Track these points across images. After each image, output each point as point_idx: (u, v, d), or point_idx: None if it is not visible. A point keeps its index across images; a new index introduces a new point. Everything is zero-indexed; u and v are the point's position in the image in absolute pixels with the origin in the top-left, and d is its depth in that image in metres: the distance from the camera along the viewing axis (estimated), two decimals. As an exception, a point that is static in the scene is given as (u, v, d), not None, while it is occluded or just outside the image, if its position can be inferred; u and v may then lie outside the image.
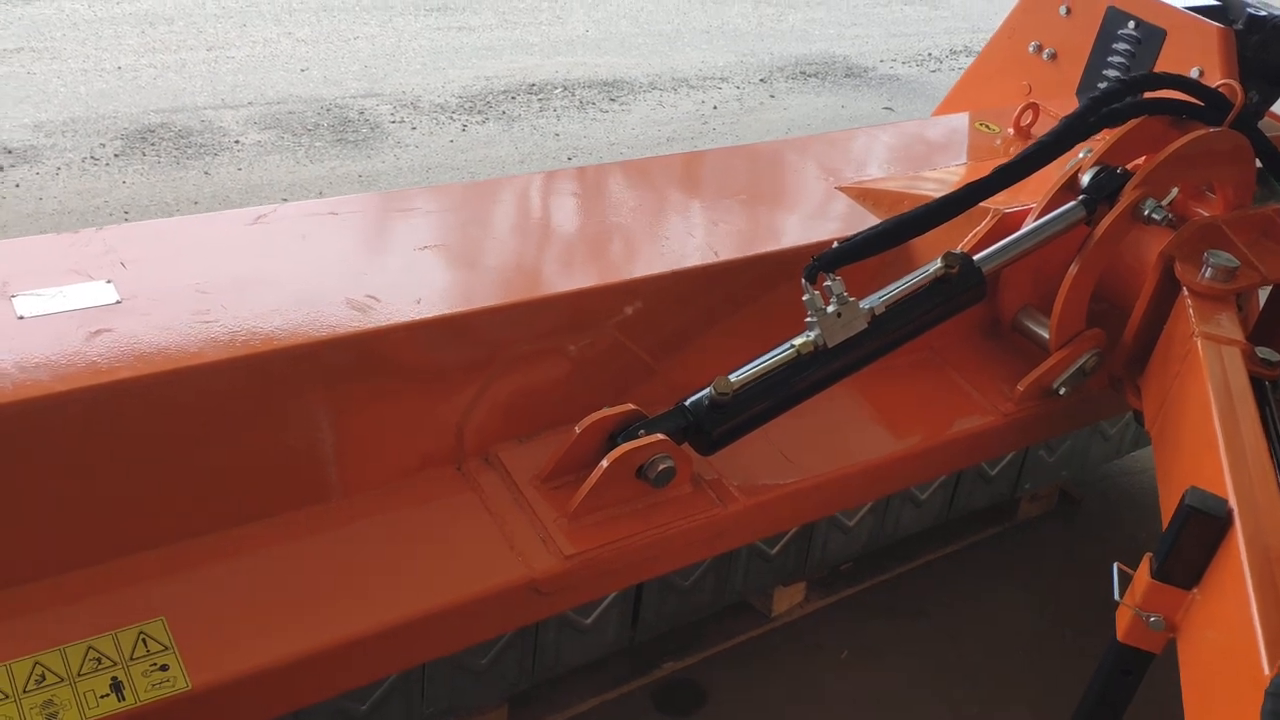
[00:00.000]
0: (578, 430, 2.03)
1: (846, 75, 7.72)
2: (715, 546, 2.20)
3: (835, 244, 2.16)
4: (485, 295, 2.11)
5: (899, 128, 3.28)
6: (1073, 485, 3.19)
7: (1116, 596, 1.79)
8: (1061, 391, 2.48)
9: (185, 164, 5.29)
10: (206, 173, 5.21)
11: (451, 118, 6.29)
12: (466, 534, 1.97)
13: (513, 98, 6.78)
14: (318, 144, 5.68)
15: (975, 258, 2.29)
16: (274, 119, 5.98)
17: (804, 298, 2.09)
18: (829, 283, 2.10)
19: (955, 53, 8.54)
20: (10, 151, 5.28)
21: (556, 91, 6.94)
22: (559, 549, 1.95)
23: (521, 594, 1.92)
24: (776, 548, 2.41)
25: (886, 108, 7.03)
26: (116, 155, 5.31)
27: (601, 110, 6.65)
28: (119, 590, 1.74)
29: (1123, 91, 2.36)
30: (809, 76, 7.64)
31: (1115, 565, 1.83)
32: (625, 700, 2.43)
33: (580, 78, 7.27)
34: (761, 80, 7.48)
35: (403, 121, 6.12)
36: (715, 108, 6.83)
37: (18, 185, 4.92)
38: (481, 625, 1.94)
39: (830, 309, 2.09)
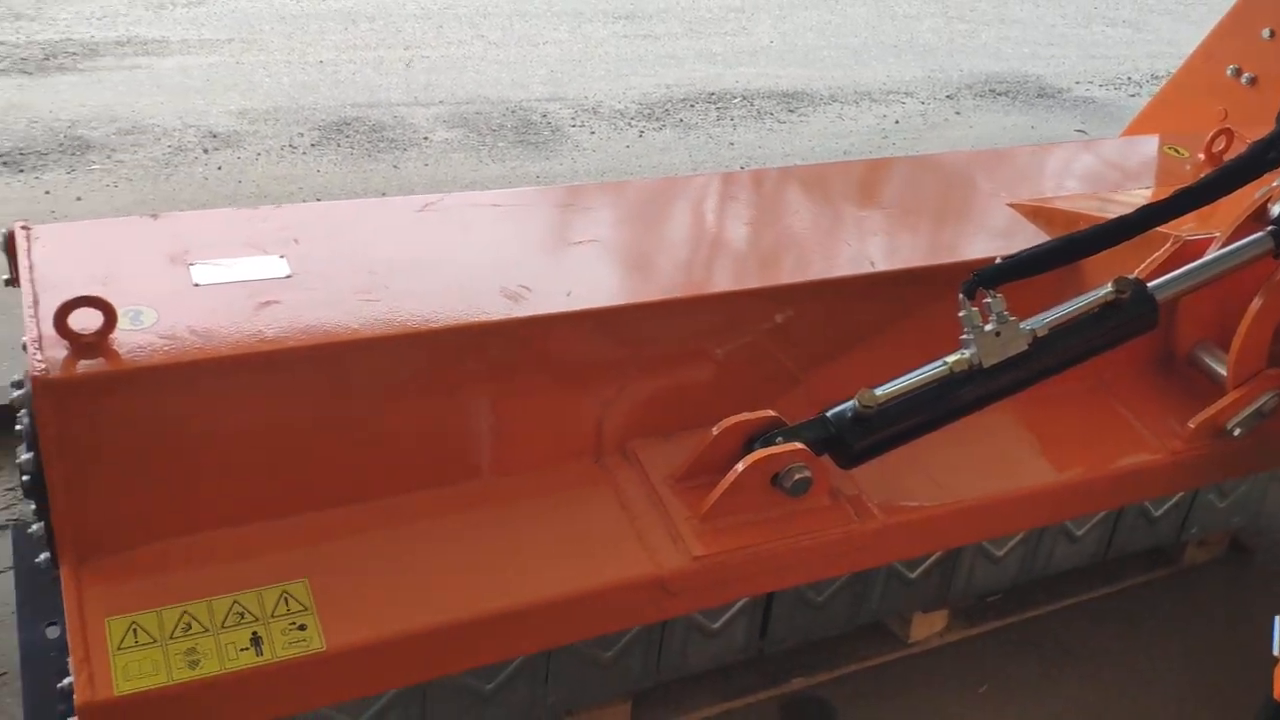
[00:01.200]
0: (715, 432, 2.02)
1: (1039, 95, 7.48)
2: (850, 563, 2.16)
3: (998, 260, 2.09)
4: (633, 292, 2.13)
5: (1081, 146, 3.15)
6: (1245, 533, 2.99)
7: (1275, 651, 1.68)
8: (1236, 433, 2.34)
9: (376, 157, 5.52)
10: (395, 166, 5.43)
11: (630, 124, 6.37)
12: (600, 526, 1.99)
13: (692, 106, 6.83)
14: (500, 144, 5.84)
15: (1149, 285, 2.18)
16: (462, 118, 6.18)
17: (961, 314, 2.03)
18: (989, 300, 2.03)
19: (1157, 77, 8.17)
20: (216, 136, 5.62)
21: (735, 101, 6.96)
22: (688, 549, 1.95)
23: (649, 590, 1.93)
24: (917, 571, 2.34)
25: (1079, 130, 6.77)
26: (313, 145, 5.59)
27: (779, 121, 6.62)
28: (270, 550, 1.83)
29: (1325, 118, 2.20)
30: (998, 95, 7.43)
31: (1277, 619, 1.72)
32: (751, 710, 2.40)
33: (761, 88, 7.26)
34: (948, 96, 7.32)
35: (583, 126, 6.24)
36: (897, 122, 6.72)
37: (219, 168, 5.23)
38: (608, 617, 1.96)
39: (988, 327, 2.02)
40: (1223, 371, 2.35)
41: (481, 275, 2.10)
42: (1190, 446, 2.36)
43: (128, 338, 1.76)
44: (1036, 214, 2.59)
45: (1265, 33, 3.05)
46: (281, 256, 2.05)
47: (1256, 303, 2.23)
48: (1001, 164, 2.91)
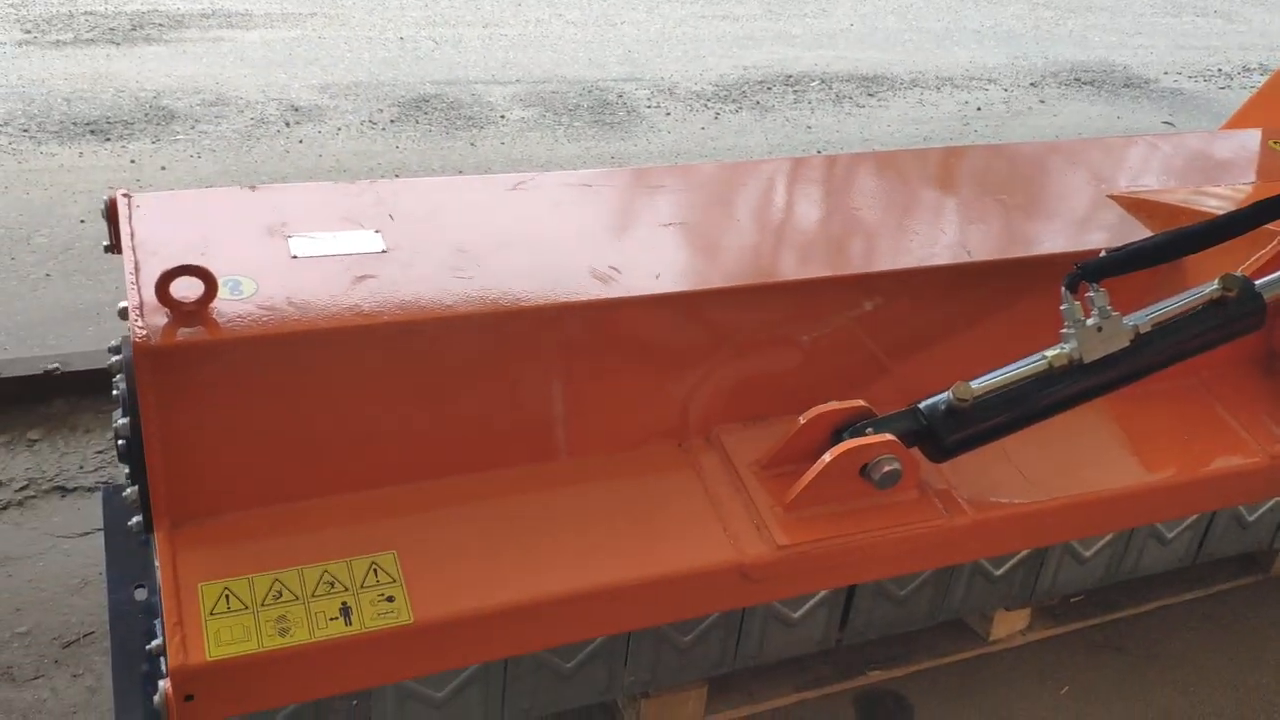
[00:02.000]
0: (802, 420, 1.99)
1: (1125, 85, 7.30)
2: (937, 559, 2.12)
3: (1102, 253, 2.04)
4: (722, 276, 2.11)
5: (1181, 139, 3.05)
6: (1342, 544, 2.90)
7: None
8: (1340, 440, 2.26)
9: (454, 134, 5.55)
10: (472, 144, 5.45)
11: (706, 105, 6.33)
12: (682, 510, 1.97)
13: (769, 88, 6.77)
14: (577, 124, 5.84)
15: (1257, 283, 2.11)
16: (539, 97, 6.19)
17: (1062, 307, 1.98)
18: (1091, 294, 1.98)
19: (1249, 70, 7.94)
20: (298, 109, 5.68)
21: (813, 84, 6.88)
22: (772, 538, 1.93)
23: (730, 577, 1.91)
24: (1003, 569, 2.30)
25: (1167, 122, 6.61)
26: (392, 121, 5.63)
27: (858, 105, 6.54)
28: (358, 521, 1.84)
29: None
30: (1084, 84, 7.27)
31: None
32: (826, 701, 2.38)
33: (839, 71, 7.18)
34: (1032, 84, 7.18)
35: (658, 107, 6.22)
36: (979, 109, 6.60)
37: (301, 141, 5.28)
38: (689, 602, 1.94)
39: (1090, 322, 1.97)
40: (1329, 375, 2.27)
41: (571, 255, 2.09)
42: (1293, 452, 2.29)
43: (227, 307, 1.78)
44: (1138, 206, 2.52)
45: None
46: (377, 231, 2.06)
47: (1368, 305, 2.15)
48: (1099, 154, 2.83)
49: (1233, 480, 2.31)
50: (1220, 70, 7.91)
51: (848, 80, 6.99)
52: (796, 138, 5.98)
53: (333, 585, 1.75)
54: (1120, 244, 2.08)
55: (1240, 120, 3.31)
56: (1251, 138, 3.06)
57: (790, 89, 6.80)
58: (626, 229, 2.27)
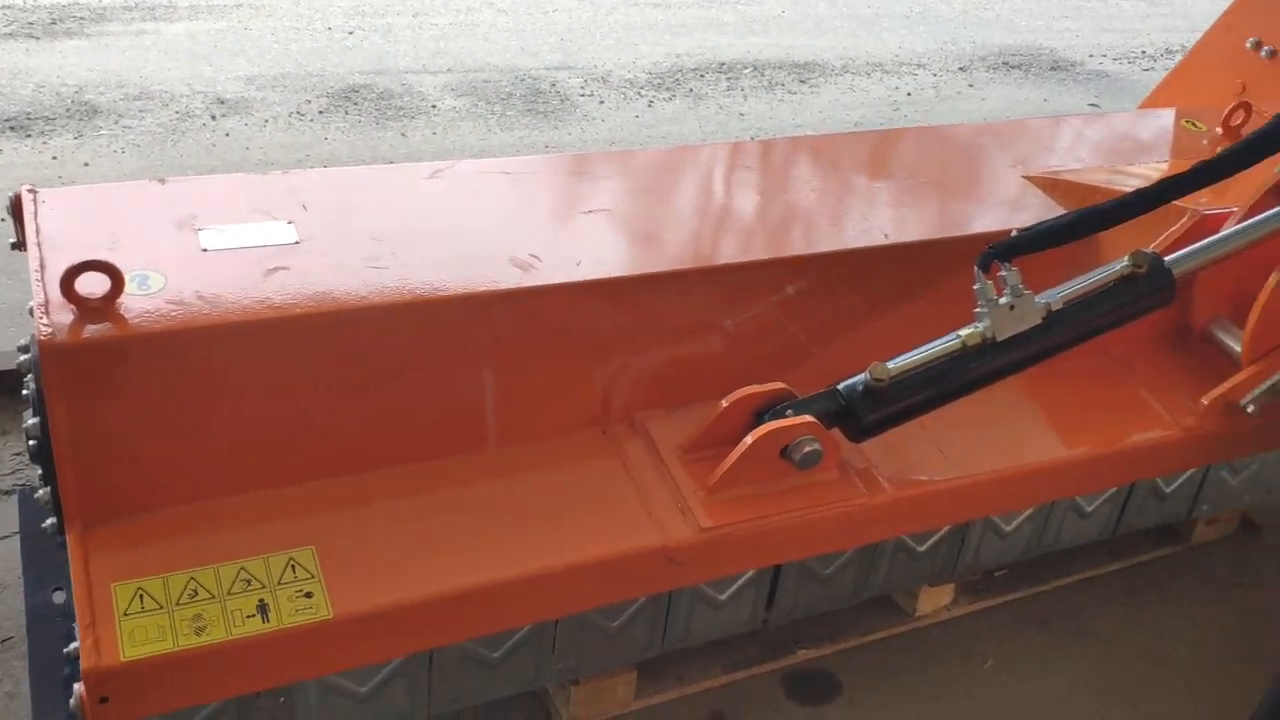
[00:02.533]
0: (724, 404, 2.01)
1: (1052, 69, 7.40)
2: (859, 537, 2.15)
3: (1013, 233, 2.07)
4: (644, 262, 2.11)
5: (1098, 119, 3.11)
6: (1256, 512, 2.97)
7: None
8: (1250, 409, 2.32)
9: (384, 125, 5.49)
10: (403, 134, 5.39)
11: (639, 93, 6.32)
12: (607, 496, 1.98)
13: (701, 76, 6.77)
14: (509, 113, 5.80)
15: (1166, 259, 2.15)
16: (470, 86, 6.14)
17: (975, 287, 2.01)
18: (1004, 273, 2.01)
19: (1171, 51, 8.08)
20: (223, 102, 5.59)
21: (746, 71, 6.90)
22: (695, 520, 1.94)
23: (655, 561, 1.92)
24: (926, 545, 2.33)
25: (1092, 104, 6.71)
26: (321, 112, 5.56)
27: (790, 92, 6.57)
28: (276, 517, 1.82)
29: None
30: (1012, 68, 7.35)
31: None
32: (755, 681, 2.40)
33: (771, 58, 7.20)
34: (961, 69, 7.25)
35: (592, 95, 6.20)
36: (909, 94, 6.66)
37: (227, 134, 5.20)
38: (614, 587, 1.95)
39: (1003, 300, 2.01)
40: (1238, 348, 2.33)
41: (491, 243, 2.09)
42: (1203, 423, 2.34)
43: (135, 303, 1.75)
44: (1052, 186, 2.56)
45: None
46: (290, 223, 2.03)
47: (1273, 278, 2.21)
48: (1015, 136, 2.88)
49: (1148, 453, 2.36)
50: (1144, 52, 8.04)
51: (779, 67, 7.01)
52: (730, 125, 5.99)
53: (249, 583, 1.73)
54: (1031, 224, 2.12)
55: (1155, 100, 3.37)
56: (1166, 117, 3.12)
57: (723, 76, 6.80)
58: (547, 216, 2.27)
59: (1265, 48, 3.06)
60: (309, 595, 1.72)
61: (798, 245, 2.25)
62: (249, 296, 1.82)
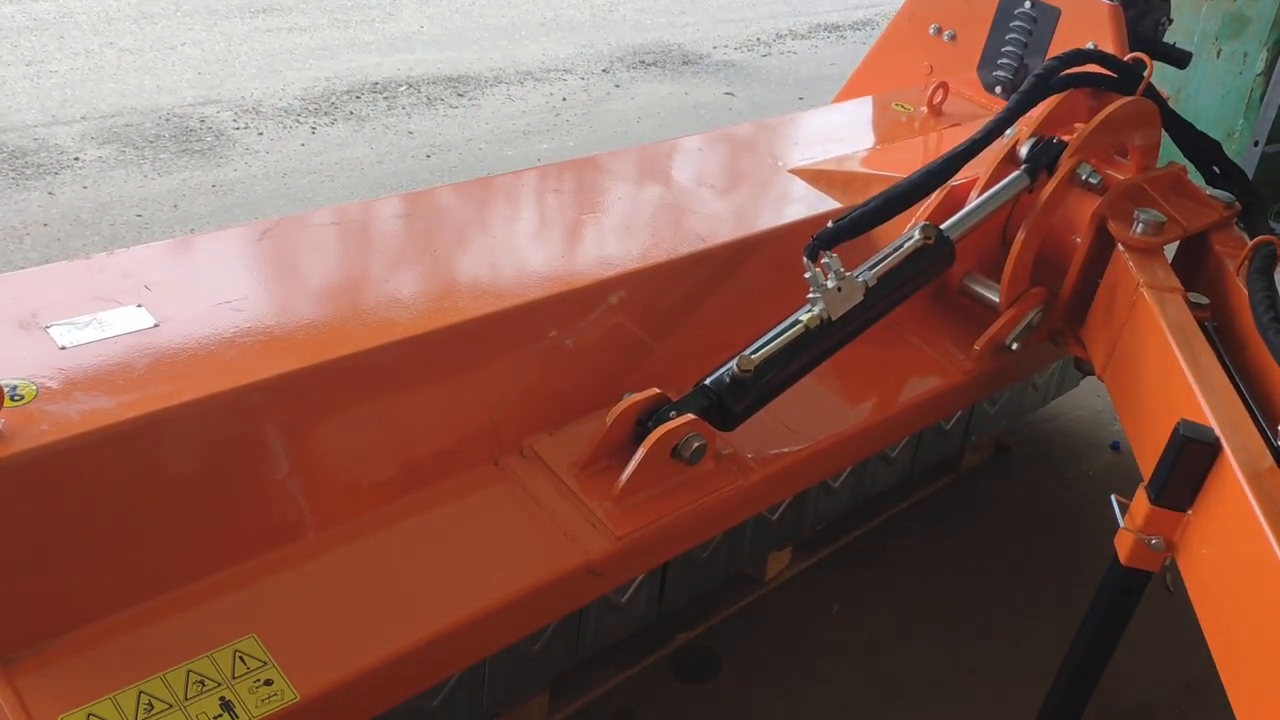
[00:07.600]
0: (609, 420, 2.11)
1: (684, 63, 7.88)
2: (735, 517, 2.32)
3: (830, 224, 2.30)
4: (482, 303, 2.14)
5: (820, 114, 3.45)
6: (1006, 434, 3.45)
7: (1120, 524, 2.00)
8: (1014, 346, 2.69)
9: (25, 185, 5.04)
10: (50, 193, 4.98)
11: (298, 121, 6.15)
12: (519, 526, 2.03)
13: (358, 97, 6.69)
14: (163, 156, 5.49)
15: (941, 227, 2.47)
16: (112, 132, 5.74)
17: (806, 275, 2.23)
18: (827, 260, 2.24)
19: (781, 36, 8.76)
20: None
21: (401, 89, 6.88)
22: (610, 531, 2.03)
23: (580, 577, 1.99)
24: (777, 514, 2.55)
25: (728, 93, 7.22)
26: (-54, 181, 5.02)
27: (451, 106, 6.62)
28: (206, 611, 1.74)
29: (1058, 68, 2.59)
30: (649, 65, 7.76)
31: (1114, 497, 2.04)
32: (647, 674, 2.53)
33: (423, 74, 7.22)
34: (604, 70, 7.56)
35: (248, 127, 5.97)
36: (564, 99, 6.88)
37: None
38: (544, 612, 2.01)
39: (830, 284, 2.24)
40: (994, 296, 2.70)
41: (343, 301, 2.07)
42: (980, 365, 2.70)
43: (15, 418, 1.62)
44: (817, 178, 2.84)
45: None
46: (139, 306, 1.92)
47: (1022, 232, 2.58)
48: (769, 134, 3.15)
49: (940, 398, 2.69)
50: (759, 40, 8.70)
51: (434, 82, 7.03)
52: (401, 144, 5.95)
53: (203, 684, 1.65)
54: (811, 215, 2.39)
55: (854, 89, 3.78)
56: (879, 102, 3.49)
57: (380, 96, 6.74)
58: (391, 265, 2.26)
59: (946, 32, 3.52)
60: (269, 683, 1.67)
61: (616, 263, 2.36)
62: (133, 389, 1.73)
